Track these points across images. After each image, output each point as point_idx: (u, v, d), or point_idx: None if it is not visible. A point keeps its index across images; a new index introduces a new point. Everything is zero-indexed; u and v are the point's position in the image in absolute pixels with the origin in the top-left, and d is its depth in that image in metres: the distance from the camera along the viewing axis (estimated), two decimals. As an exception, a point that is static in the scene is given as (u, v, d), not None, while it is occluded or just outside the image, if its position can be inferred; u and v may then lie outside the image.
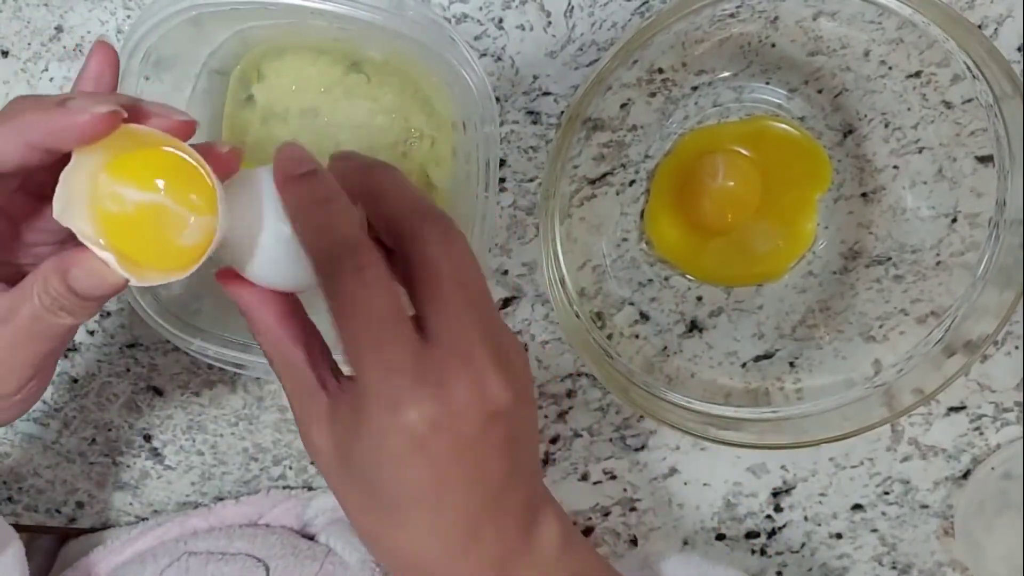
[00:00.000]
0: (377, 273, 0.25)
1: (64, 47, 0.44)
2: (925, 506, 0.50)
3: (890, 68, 0.41)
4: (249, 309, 0.29)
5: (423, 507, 0.26)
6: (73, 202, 0.27)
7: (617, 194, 0.45)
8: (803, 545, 0.52)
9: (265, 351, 0.29)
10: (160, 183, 0.27)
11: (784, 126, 0.44)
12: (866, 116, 0.43)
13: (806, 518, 0.51)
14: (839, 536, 0.51)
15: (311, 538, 0.49)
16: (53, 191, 0.27)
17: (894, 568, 0.52)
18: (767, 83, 0.43)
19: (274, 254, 0.28)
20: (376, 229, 0.28)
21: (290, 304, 0.30)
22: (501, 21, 0.43)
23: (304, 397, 0.28)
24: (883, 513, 0.51)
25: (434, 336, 0.25)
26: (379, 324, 0.24)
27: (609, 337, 0.45)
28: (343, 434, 0.26)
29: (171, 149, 0.28)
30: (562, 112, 0.44)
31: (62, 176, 0.27)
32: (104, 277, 0.28)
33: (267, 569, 0.44)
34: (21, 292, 0.29)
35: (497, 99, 0.43)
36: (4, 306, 0.29)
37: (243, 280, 0.29)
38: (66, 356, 0.50)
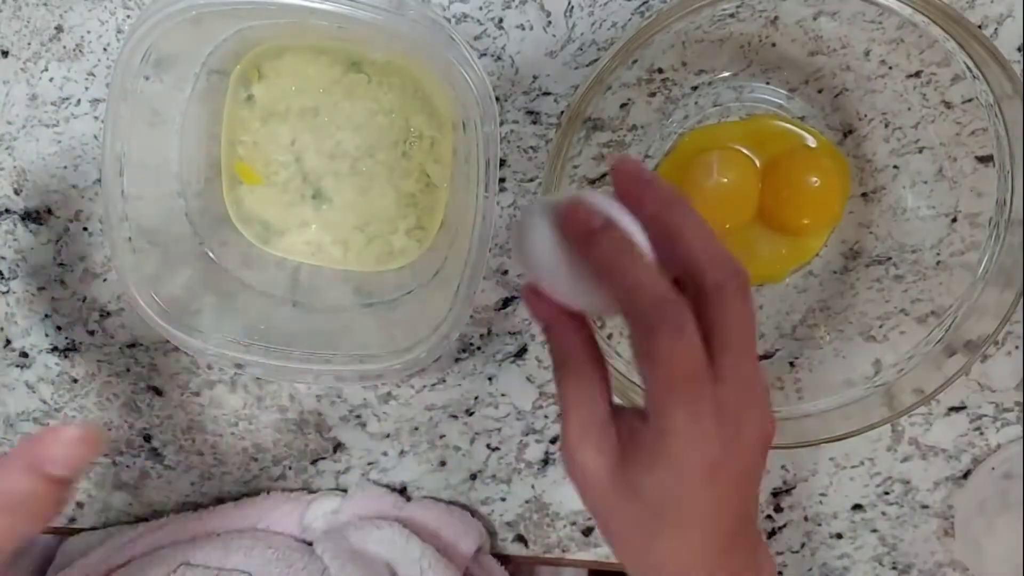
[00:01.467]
0: (692, 333, 0.27)
1: (64, 47, 0.44)
2: (925, 506, 0.50)
3: (890, 68, 0.41)
4: (560, 332, 0.30)
5: (699, 525, 0.29)
6: None
7: (617, 194, 0.45)
8: (803, 545, 0.52)
9: (564, 374, 0.30)
10: None
11: (785, 124, 0.43)
12: (866, 116, 0.43)
13: (806, 518, 0.51)
14: (839, 536, 0.51)
15: (309, 544, 0.48)
16: None
17: (894, 568, 0.52)
18: (767, 83, 0.43)
19: (575, 277, 0.29)
20: (664, 263, 0.29)
21: (591, 332, 0.31)
22: (501, 21, 0.43)
23: (592, 427, 0.30)
24: (883, 513, 0.50)
25: (725, 376, 0.28)
26: (691, 379, 0.27)
27: (609, 337, 0.45)
28: (631, 464, 0.29)
29: None
30: (562, 112, 0.44)
31: None
32: (86, 442, 0.31)
33: None
34: None
35: (497, 99, 0.43)
36: None
37: (552, 303, 0.30)
38: (66, 356, 0.50)
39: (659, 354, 0.27)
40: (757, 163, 0.43)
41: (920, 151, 0.43)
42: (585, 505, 0.31)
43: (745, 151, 0.43)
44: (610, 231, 0.28)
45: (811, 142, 0.43)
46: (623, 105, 0.43)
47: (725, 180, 0.43)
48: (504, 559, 0.53)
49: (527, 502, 0.52)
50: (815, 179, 0.43)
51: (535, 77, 0.44)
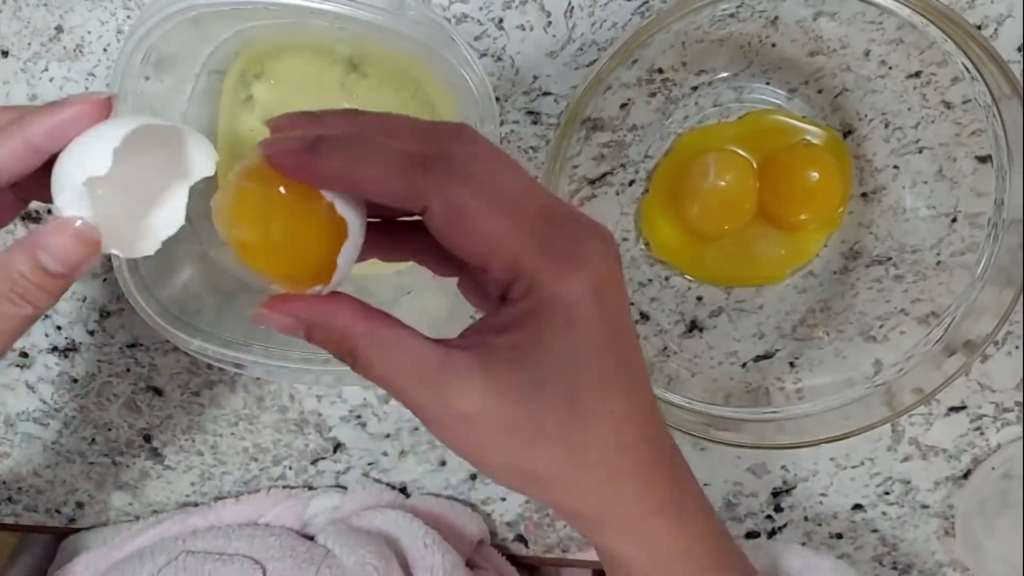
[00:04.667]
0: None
1: (64, 47, 0.44)
2: (925, 506, 0.50)
3: (890, 68, 0.41)
4: (319, 322, 0.26)
5: (619, 387, 0.25)
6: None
7: (617, 194, 0.45)
8: (803, 545, 0.52)
9: (358, 354, 0.26)
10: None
11: (784, 119, 0.43)
12: (866, 116, 0.43)
13: (806, 518, 0.51)
14: (839, 536, 0.51)
15: (310, 538, 0.49)
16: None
17: (894, 568, 0.52)
18: (767, 83, 0.43)
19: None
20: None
21: (355, 301, 0.27)
22: (501, 21, 0.43)
23: (431, 371, 0.25)
24: (883, 513, 0.50)
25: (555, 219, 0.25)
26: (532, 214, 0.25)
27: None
28: (511, 368, 0.25)
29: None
30: (562, 112, 0.44)
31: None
32: (81, 240, 0.28)
33: (264, 571, 0.44)
34: None
35: (497, 99, 0.43)
36: None
37: (294, 300, 0.26)
38: (66, 356, 0.50)
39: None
40: (754, 163, 0.43)
41: (920, 151, 0.43)
42: (479, 463, 0.26)
43: (742, 152, 0.44)
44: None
45: (815, 137, 0.43)
46: (623, 105, 0.43)
47: (722, 183, 0.43)
48: (513, 560, 0.53)
49: (527, 502, 0.52)
50: (813, 173, 0.43)
51: (535, 77, 0.44)
